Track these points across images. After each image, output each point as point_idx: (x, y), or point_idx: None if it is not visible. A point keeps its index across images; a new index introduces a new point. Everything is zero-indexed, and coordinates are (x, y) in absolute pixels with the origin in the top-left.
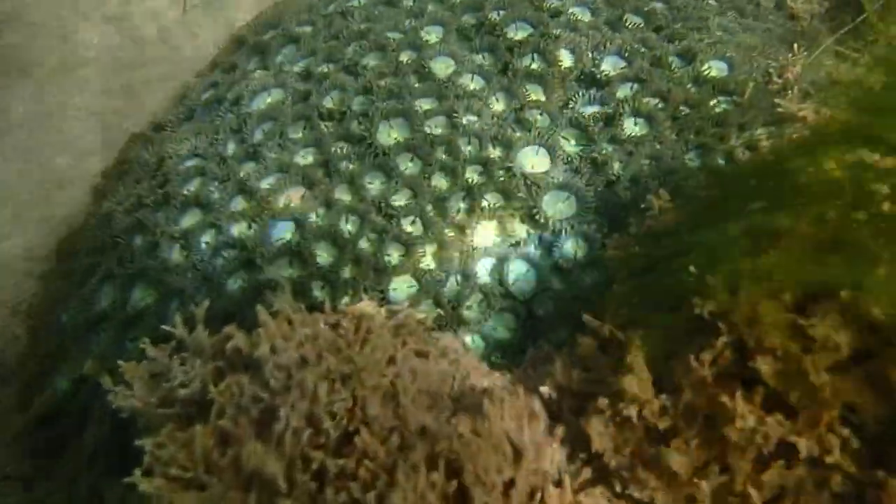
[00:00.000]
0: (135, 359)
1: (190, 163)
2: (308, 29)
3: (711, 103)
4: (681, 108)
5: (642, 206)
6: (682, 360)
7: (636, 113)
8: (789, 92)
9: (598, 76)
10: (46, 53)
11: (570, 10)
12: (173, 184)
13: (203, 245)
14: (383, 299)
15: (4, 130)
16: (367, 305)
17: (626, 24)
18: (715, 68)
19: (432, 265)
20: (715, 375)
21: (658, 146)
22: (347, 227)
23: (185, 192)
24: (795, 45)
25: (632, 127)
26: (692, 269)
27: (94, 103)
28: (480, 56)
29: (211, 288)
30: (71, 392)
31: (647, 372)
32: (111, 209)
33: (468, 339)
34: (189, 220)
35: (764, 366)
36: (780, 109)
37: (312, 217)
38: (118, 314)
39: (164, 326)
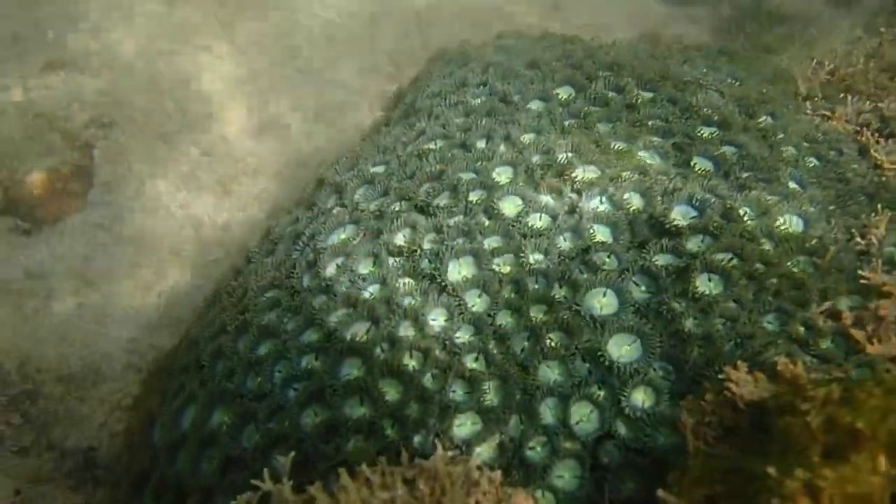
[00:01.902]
0: (208, 480)
1: (268, 294)
2: (381, 169)
3: (789, 263)
4: (757, 266)
5: (720, 375)
6: None
7: (709, 269)
8: (873, 259)
9: (668, 225)
10: (149, 151)
11: (638, 155)
12: (252, 313)
13: (276, 375)
14: (448, 439)
15: (114, 220)
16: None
17: (695, 169)
18: (791, 223)
19: (495, 402)
20: None
21: (734, 305)
22: (412, 362)
23: (262, 323)
24: (879, 205)
25: (706, 283)
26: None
27: (191, 200)
28: (548, 197)
29: (283, 417)
30: None
31: None
32: (198, 334)
33: (539, 493)
34: (263, 349)
35: None
36: (862, 282)
37: (378, 352)
38: (196, 434)
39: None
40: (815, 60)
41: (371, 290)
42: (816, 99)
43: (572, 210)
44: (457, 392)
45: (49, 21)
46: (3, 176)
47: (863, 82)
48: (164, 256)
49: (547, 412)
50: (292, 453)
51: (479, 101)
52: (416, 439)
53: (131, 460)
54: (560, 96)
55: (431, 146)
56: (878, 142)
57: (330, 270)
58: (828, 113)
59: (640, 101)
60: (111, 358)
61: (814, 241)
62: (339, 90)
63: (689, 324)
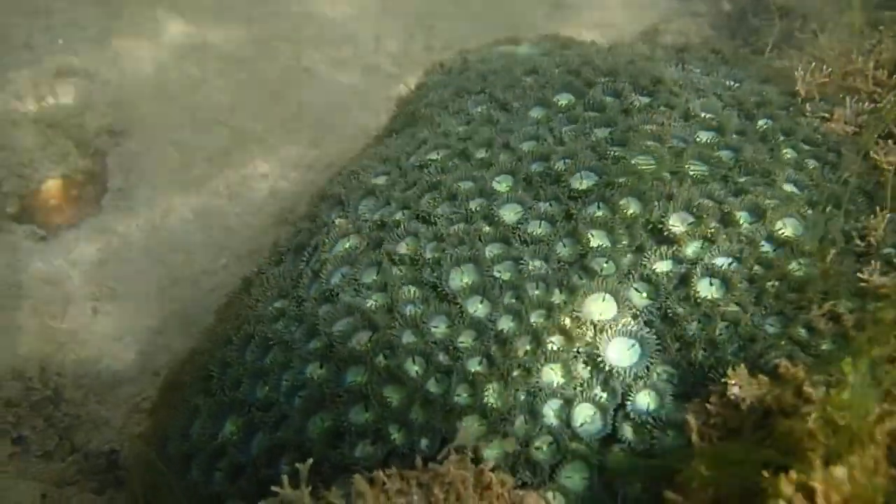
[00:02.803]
0: (220, 490)
1: (275, 304)
2: (383, 180)
3: (790, 266)
4: (756, 269)
5: (723, 379)
6: None
7: (710, 273)
8: (872, 261)
9: (666, 232)
10: (161, 158)
11: (634, 160)
12: (260, 324)
13: (283, 383)
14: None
15: (128, 228)
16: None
17: (691, 173)
18: (789, 227)
19: (499, 403)
20: None
21: (735, 308)
22: (415, 368)
23: (269, 332)
24: (878, 206)
25: (707, 288)
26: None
27: (201, 202)
28: (547, 204)
29: (289, 426)
30: None
31: None
32: (208, 345)
33: (550, 495)
34: (270, 358)
35: None
36: (861, 284)
37: (380, 359)
38: (208, 445)
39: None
40: (813, 60)
41: (374, 299)
42: (815, 100)
43: (569, 216)
44: (461, 395)
45: (60, 29)
46: (19, 184)
47: (862, 80)
48: (177, 260)
49: (551, 413)
50: (310, 460)
51: (479, 109)
52: (424, 443)
53: (145, 474)
54: (560, 103)
55: (432, 156)
56: (877, 142)
57: (334, 280)
58: (826, 115)
59: (636, 106)
60: (127, 361)
61: (813, 244)
62: (344, 91)
63: (692, 328)
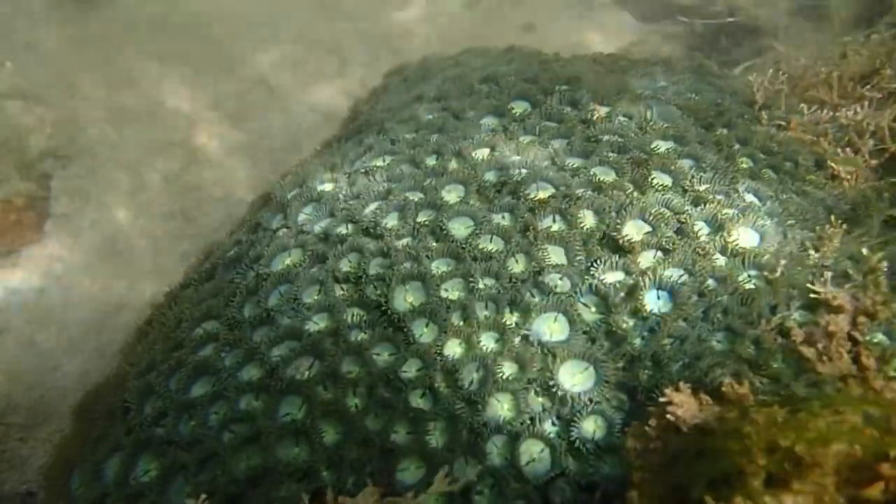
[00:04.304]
0: None
1: (205, 326)
2: (329, 187)
3: (740, 278)
4: (707, 282)
5: (661, 398)
6: None
7: (659, 286)
8: (825, 272)
9: (621, 241)
10: (109, 181)
11: (593, 171)
12: (186, 349)
13: (212, 417)
14: (389, 484)
15: (71, 254)
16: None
17: (653, 184)
18: (744, 238)
19: (440, 444)
20: None
21: (682, 324)
22: (355, 401)
23: (197, 359)
24: (833, 217)
25: (654, 301)
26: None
27: (152, 227)
28: (500, 216)
29: (216, 465)
30: None
31: None
32: (125, 371)
33: None
34: (199, 389)
35: None
36: (811, 295)
37: (320, 390)
38: (121, 490)
39: None
40: (771, 70)
41: (316, 321)
42: (773, 108)
43: (525, 230)
44: (399, 433)
45: (8, 51)
46: None
47: (826, 92)
48: (126, 285)
49: (494, 452)
50: (203, 497)
51: (431, 116)
52: (351, 480)
53: None
54: (514, 111)
55: (379, 163)
56: (836, 151)
57: (273, 300)
58: (783, 122)
59: (595, 116)
60: (64, 394)
61: (767, 256)
62: (309, 114)
63: (637, 343)
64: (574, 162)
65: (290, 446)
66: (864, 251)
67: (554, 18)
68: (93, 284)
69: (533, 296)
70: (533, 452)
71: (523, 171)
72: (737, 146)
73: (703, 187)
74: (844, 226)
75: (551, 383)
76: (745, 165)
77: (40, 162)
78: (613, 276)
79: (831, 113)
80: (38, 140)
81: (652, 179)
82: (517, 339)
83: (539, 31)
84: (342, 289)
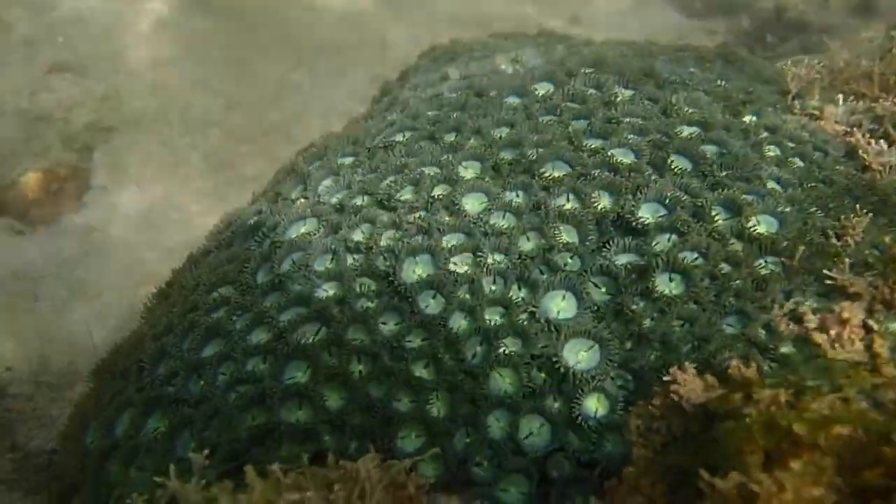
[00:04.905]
0: (139, 489)
1: (219, 290)
2: (349, 160)
3: (756, 263)
4: (721, 266)
5: (665, 378)
6: None
7: (672, 268)
8: (845, 259)
9: (636, 223)
10: (148, 156)
11: (611, 152)
12: (200, 311)
13: (220, 378)
14: (389, 451)
15: (107, 225)
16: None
17: (672, 167)
18: (764, 224)
19: (442, 414)
20: None
21: (693, 306)
22: (359, 367)
23: (209, 321)
24: (858, 206)
25: (666, 283)
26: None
27: (187, 202)
28: (514, 193)
29: (221, 422)
30: None
31: None
32: (143, 332)
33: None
34: (209, 350)
35: None
36: (827, 281)
37: (325, 355)
38: (129, 442)
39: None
40: (807, 60)
41: (325, 289)
42: (806, 98)
43: (537, 207)
44: (402, 401)
45: (61, 26)
46: None
47: (866, 86)
48: (158, 257)
49: (494, 425)
50: (206, 451)
51: (454, 94)
52: (353, 446)
53: (62, 467)
54: (538, 92)
55: (398, 138)
56: (868, 143)
57: (285, 266)
58: (816, 113)
59: (618, 98)
60: (94, 359)
61: (785, 243)
62: (347, 101)
63: (646, 324)
64: (593, 143)
65: (293, 409)
66: (888, 239)
67: (601, 11)
68: (127, 256)
69: (542, 273)
70: (532, 427)
71: (539, 149)
72: (765, 134)
73: (723, 173)
74: (870, 215)
75: (555, 360)
76: (771, 154)
77: (84, 133)
78: (626, 258)
79: (869, 104)
80: (82, 113)
81: (671, 163)
82: (523, 315)
83: (584, 22)
84: (353, 258)
